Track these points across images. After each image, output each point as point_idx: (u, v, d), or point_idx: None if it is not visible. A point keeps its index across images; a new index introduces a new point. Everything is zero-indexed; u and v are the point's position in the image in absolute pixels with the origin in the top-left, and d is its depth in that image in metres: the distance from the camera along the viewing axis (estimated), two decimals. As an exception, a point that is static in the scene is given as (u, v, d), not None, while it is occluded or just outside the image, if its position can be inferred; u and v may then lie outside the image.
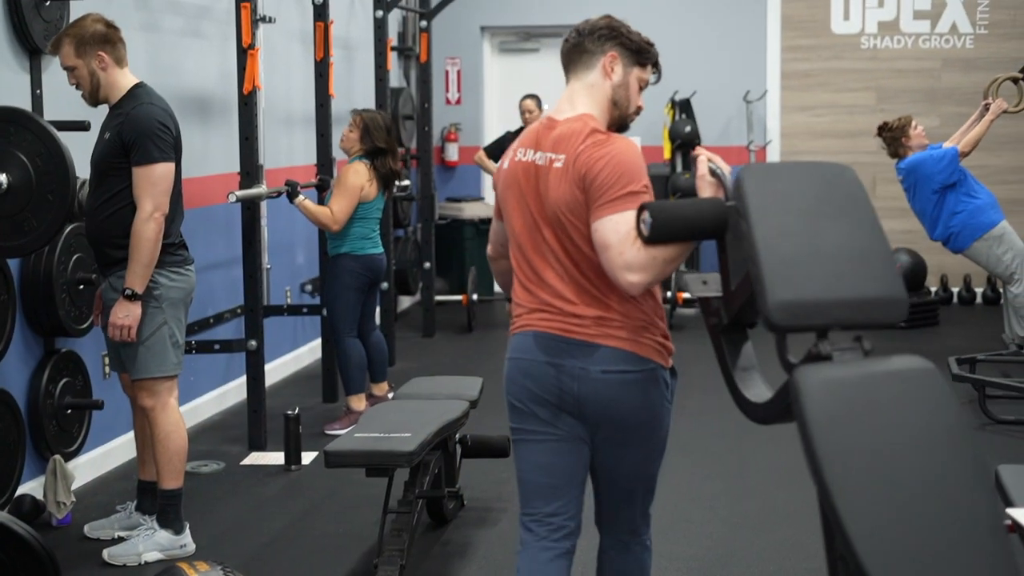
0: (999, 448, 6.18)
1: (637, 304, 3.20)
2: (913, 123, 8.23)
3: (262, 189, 6.37)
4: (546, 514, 3.36)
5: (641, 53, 3.32)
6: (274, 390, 7.64)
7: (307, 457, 6.01)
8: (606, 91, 3.27)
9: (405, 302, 10.62)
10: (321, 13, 7.09)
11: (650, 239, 2.97)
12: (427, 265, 9.34)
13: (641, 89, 3.34)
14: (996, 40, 10.53)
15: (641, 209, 2.99)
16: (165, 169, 4.52)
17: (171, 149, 4.56)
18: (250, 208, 6.18)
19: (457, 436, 5.07)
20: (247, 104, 6.08)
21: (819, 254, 2.66)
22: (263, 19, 7.40)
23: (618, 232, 3.04)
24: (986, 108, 8.27)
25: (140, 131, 4.47)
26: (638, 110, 3.34)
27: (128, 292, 4.47)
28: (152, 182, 4.47)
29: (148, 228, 4.45)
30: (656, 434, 3.33)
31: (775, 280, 2.60)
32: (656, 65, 3.39)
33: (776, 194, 2.74)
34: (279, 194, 6.55)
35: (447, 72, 11.21)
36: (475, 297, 9.60)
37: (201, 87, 6.90)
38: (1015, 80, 8.34)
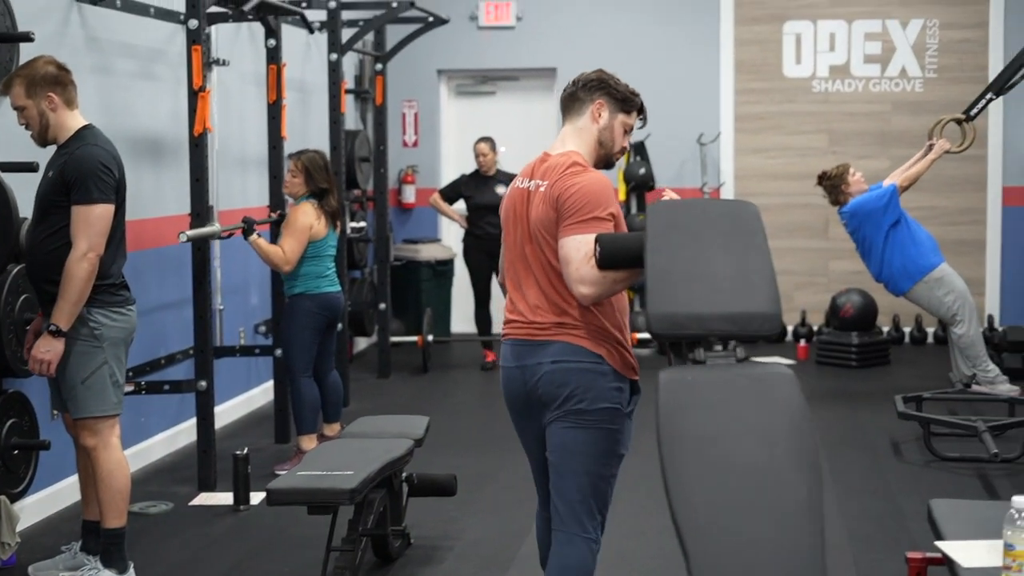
0: (943, 484, 6.25)
1: (595, 314, 3.67)
2: (851, 170, 8.39)
3: (214, 228, 6.40)
4: (544, 490, 3.92)
5: (626, 102, 3.85)
6: (227, 431, 7.65)
7: (256, 497, 6.01)
8: (593, 133, 3.82)
9: (361, 343, 10.65)
10: (274, 56, 7.14)
11: (599, 266, 3.53)
12: (382, 306, 9.38)
13: (627, 133, 3.88)
14: (944, 84, 10.68)
15: (596, 239, 3.50)
16: (104, 210, 4.55)
17: (112, 191, 4.60)
18: (200, 249, 6.21)
19: (404, 474, 5.10)
20: (198, 146, 6.11)
21: (703, 275, 3.21)
22: (216, 62, 7.50)
23: (579, 251, 3.57)
24: (930, 148, 8.41)
25: (82, 171, 4.51)
26: (623, 150, 3.89)
27: (53, 328, 4.50)
28: (89, 222, 4.51)
29: (80, 267, 4.48)
30: (602, 426, 3.68)
31: (657, 296, 3.20)
32: (641, 111, 3.92)
33: (675, 225, 3.34)
34: (230, 234, 6.58)
35: (404, 115, 11.28)
36: (430, 338, 9.63)
37: (153, 129, 6.94)
38: (959, 122, 8.48)
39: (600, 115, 3.82)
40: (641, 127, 4.00)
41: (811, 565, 2.83)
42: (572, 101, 3.88)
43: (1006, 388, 8.13)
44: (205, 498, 6.16)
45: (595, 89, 3.85)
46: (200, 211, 6.15)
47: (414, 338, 9.85)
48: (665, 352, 3.87)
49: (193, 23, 6.04)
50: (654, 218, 3.36)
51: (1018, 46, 9.02)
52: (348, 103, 10.25)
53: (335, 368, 7.04)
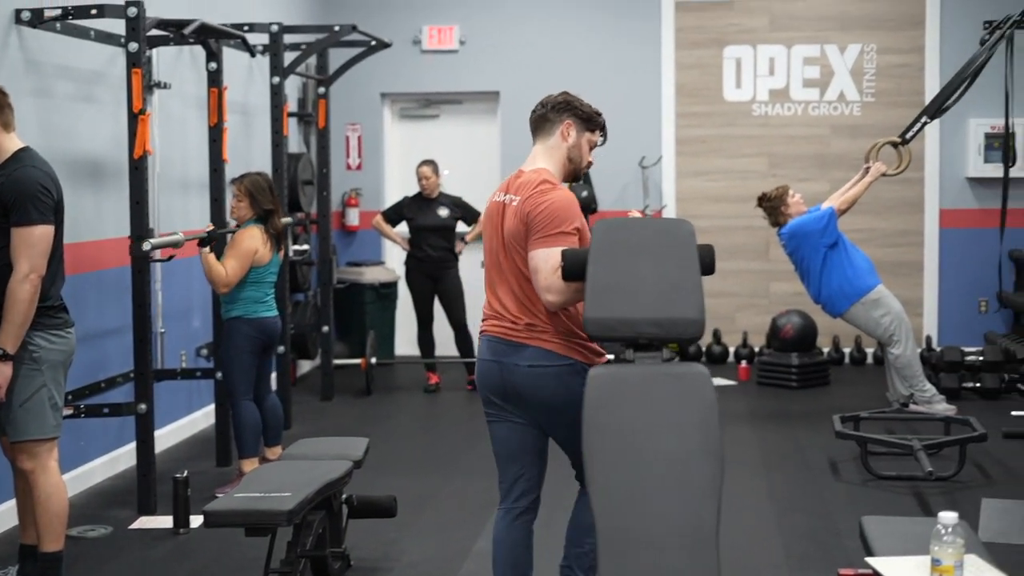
0: (879, 502, 6.33)
1: (562, 319, 4.10)
2: (790, 192, 8.50)
3: (177, 237, 6.44)
4: (510, 480, 4.32)
5: (590, 120, 4.34)
6: (168, 454, 7.63)
7: (196, 521, 5.99)
8: (563, 151, 4.28)
9: (305, 366, 10.63)
10: (215, 79, 7.15)
11: (564, 278, 3.94)
12: (325, 329, 9.38)
13: (591, 149, 4.35)
14: (882, 108, 10.83)
15: (562, 254, 3.93)
16: (44, 231, 4.55)
17: (51, 212, 4.60)
18: (140, 271, 6.20)
19: (343, 496, 5.11)
20: (138, 168, 6.12)
21: (636, 284, 3.70)
22: (158, 84, 7.50)
23: (546, 262, 4.00)
24: (867, 171, 8.53)
25: (20, 192, 4.51)
26: (588, 165, 4.36)
27: (0, 352, 4.49)
28: (30, 243, 4.51)
29: (23, 289, 4.48)
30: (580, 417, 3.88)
31: (593, 302, 3.72)
32: (603, 129, 4.39)
33: (616, 241, 3.82)
34: (203, 240, 6.57)
35: (347, 138, 11.30)
36: (374, 361, 9.63)
37: (94, 151, 6.92)
38: (895, 145, 8.61)
39: (568, 134, 4.28)
40: (602, 143, 4.42)
41: (707, 540, 3.39)
42: (542, 122, 4.34)
43: (943, 407, 8.25)
44: (145, 522, 6.14)
45: (563, 110, 4.31)
46: (140, 233, 6.14)
47: (358, 360, 9.86)
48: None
49: (133, 46, 6.04)
50: (598, 234, 3.84)
51: (953, 71, 9.17)
52: (291, 126, 10.26)
53: (273, 391, 7.04)
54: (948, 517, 3.33)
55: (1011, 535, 5.65)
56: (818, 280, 8.32)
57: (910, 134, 8.57)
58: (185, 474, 5.99)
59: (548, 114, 4.32)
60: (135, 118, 6.07)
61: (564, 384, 4.10)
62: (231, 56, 8.11)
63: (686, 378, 3.59)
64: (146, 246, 6.18)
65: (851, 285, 8.28)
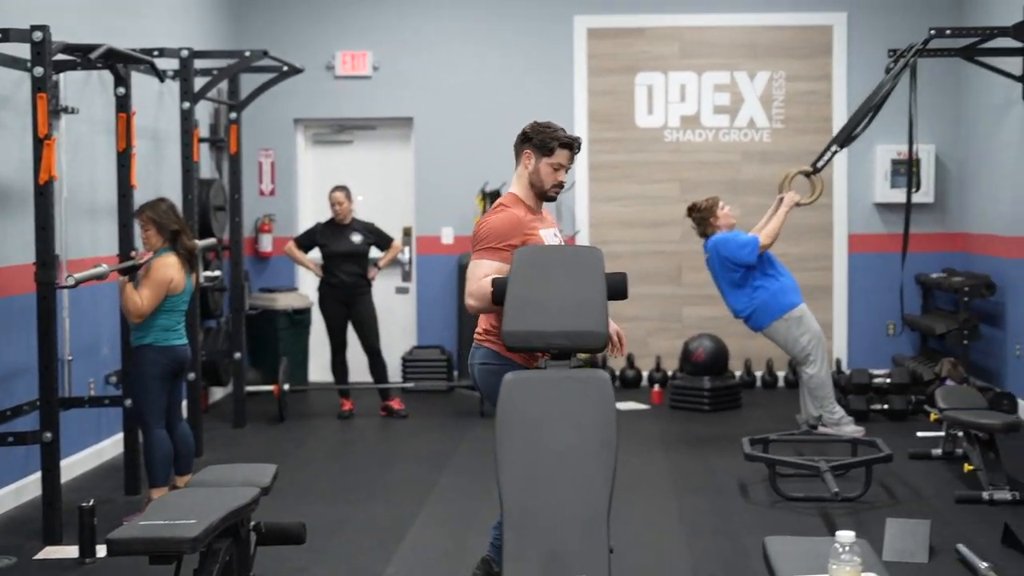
0: (787, 523, 6.39)
1: None
2: (720, 204, 8.58)
3: (101, 269, 6.41)
4: None
5: (543, 147, 4.88)
6: (77, 483, 7.53)
7: (103, 550, 5.89)
8: (526, 177, 4.92)
9: (217, 393, 10.55)
10: (123, 104, 7.09)
11: (493, 303, 4.54)
12: (237, 355, 9.31)
13: (556, 170, 4.90)
14: (791, 134, 10.99)
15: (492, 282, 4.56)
16: None
17: None
18: (45, 298, 6.13)
19: (252, 523, 5.07)
20: (43, 194, 6.05)
21: (549, 302, 4.30)
22: (65, 109, 7.43)
23: (474, 272, 4.69)
24: (780, 201, 8.65)
25: None
26: (557, 185, 4.92)
27: None
28: None
29: None
30: None
31: (511, 318, 4.30)
32: (567, 147, 4.92)
33: (532, 264, 4.44)
34: (124, 271, 6.51)
35: (260, 163, 11.25)
36: (287, 387, 9.58)
37: (2, 177, 6.83)
38: (807, 174, 8.74)
39: (528, 162, 4.91)
40: (571, 162, 4.99)
41: (600, 521, 3.88)
42: (515, 151, 4.99)
43: (851, 429, 8.37)
44: (51, 551, 6.05)
45: (523, 141, 4.95)
46: (46, 260, 6.08)
47: (271, 387, 9.79)
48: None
49: (39, 71, 6.00)
50: (517, 259, 4.47)
51: (860, 97, 9.35)
52: (203, 152, 10.20)
53: (184, 420, 6.97)
54: (846, 536, 3.39)
55: (913, 554, 5.74)
56: (738, 295, 8.42)
57: (821, 163, 8.71)
58: (91, 503, 5.92)
59: (516, 145, 4.98)
60: (40, 143, 6.02)
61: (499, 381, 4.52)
62: (142, 81, 8.06)
63: (589, 382, 4.15)
64: (70, 281, 6.13)
65: (776, 301, 8.39)
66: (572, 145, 4.93)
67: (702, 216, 8.59)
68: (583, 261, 4.46)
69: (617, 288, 4.43)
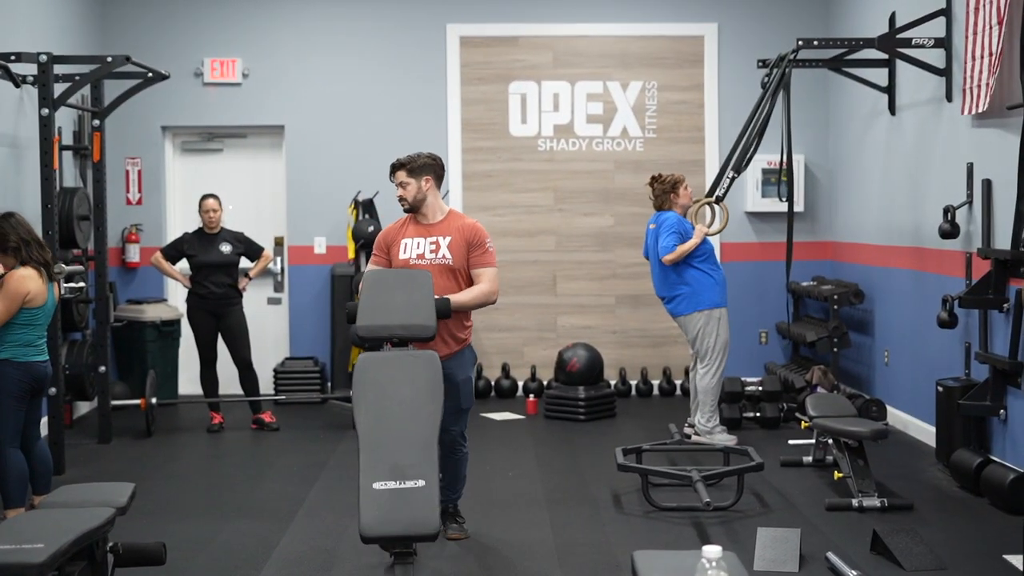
0: (659, 534, 6.37)
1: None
2: (684, 183, 8.61)
3: None
4: None
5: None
6: (-70, 503, 7.25)
7: (-46, 574, 5.69)
8: None
9: (83, 407, 10.25)
10: (-24, 110, 6.86)
11: (348, 321, 5.98)
12: (102, 369, 9.06)
13: (399, 187, 6.24)
14: (663, 143, 11.04)
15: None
16: None
17: None
18: None
19: (109, 544, 4.89)
20: None
21: (389, 306, 5.62)
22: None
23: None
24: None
25: None
26: (400, 199, 6.25)
27: None
28: None
29: None
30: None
31: (363, 317, 5.60)
32: (393, 173, 6.29)
33: (377, 281, 5.80)
34: None
35: (127, 172, 10.98)
36: (154, 401, 9.35)
37: None
38: (710, 204, 8.81)
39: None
40: (395, 183, 6.25)
41: (430, 444, 5.13)
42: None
43: (723, 438, 8.41)
44: (-102, 577, 5.80)
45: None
46: None
47: (138, 401, 9.55)
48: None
49: None
50: (367, 277, 5.87)
51: (730, 108, 9.45)
52: (67, 160, 9.93)
53: (42, 438, 6.74)
54: (711, 551, 3.34)
55: (784, 563, 5.75)
56: (670, 274, 8.45)
57: (721, 191, 8.79)
58: (-59, 525, 5.68)
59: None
60: None
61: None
62: (0, 86, 7.80)
63: (421, 356, 5.43)
64: None
65: (705, 294, 8.46)
66: (393, 171, 6.28)
67: (664, 189, 8.66)
68: (416, 278, 5.78)
69: (440, 310, 5.80)
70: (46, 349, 6.59)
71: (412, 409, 5.26)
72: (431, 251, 6.11)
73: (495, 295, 6.13)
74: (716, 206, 8.83)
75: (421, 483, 4.97)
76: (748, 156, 8.78)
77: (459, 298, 5.97)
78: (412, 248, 6.13)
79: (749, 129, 8.76)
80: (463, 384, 6.15)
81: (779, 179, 9.59)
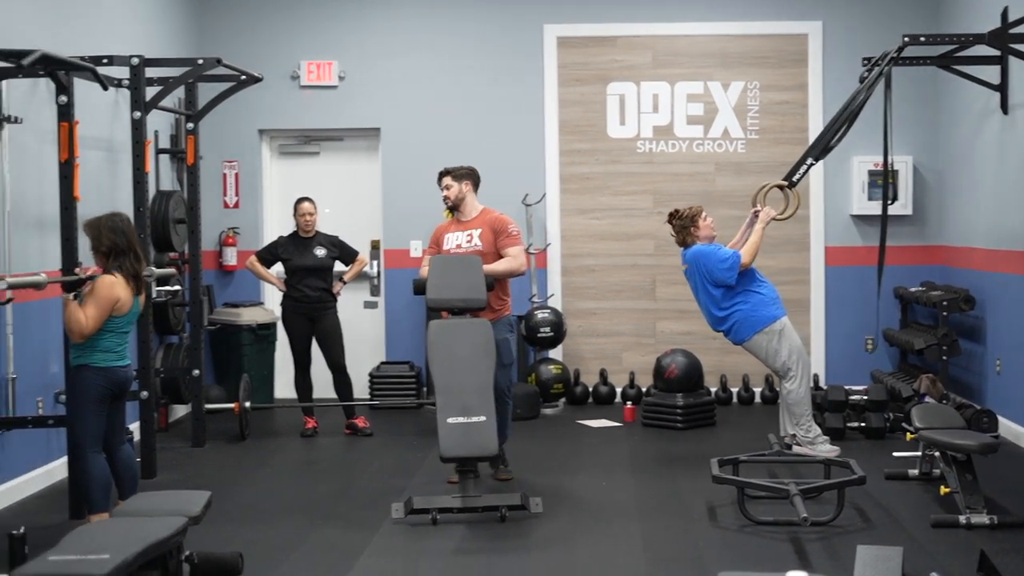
0: (754, 550, 6.14)
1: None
2: (703, 214, 8.35)
3: (39, 278, 6.24)
4: None
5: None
6: (21, 506, 7.29)
7: (35, 579, 5.64)
8: None
9: (179, 411, 10.26)
10: (65, 113, 6.83)
11: (414, 292, 7.78)
12: (196, 372, 9.03)
13: (443, 190, 8.03)
14: (766, 145, 10.77)
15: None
16: None
17: None
18: (-23, 315, 5.86)
19: (184, 554, 4.80)
20: (-25, 206, 5.79)
21: (451, 284, 7.30)
22: (8, 119, 7.16)
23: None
24: (755, 216, 8.40)
25: None
26: (444, 199, 8.05)
27: None
28: None
29: None
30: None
31: (430, 291, 7.29)
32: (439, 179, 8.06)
33: (441, 264, 7.47)
34: (67, 285, 6.27)
35: (225, 175, 10.99)
36: (247, 405, 9.30)
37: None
38: (782, 187, 8.49)
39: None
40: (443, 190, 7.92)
41: (487, 390, 6.89)
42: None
43: (825, 449, 8.12)
44: (-19, 581, 5.78)
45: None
46: (-24, 274, 5.80)
47: (231, 405, 9.52)
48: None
49: (-31, 77, 5.73)
50: (433, 261, 7.53)
51: (835, 107, 9.11)
52: (163, 163, 9.95)
53: (127, 442, 6.70)
54: (797, 576, 3.14)
55: (885, 583, 5.49)
56: (718, 308, 8.18)
57: (796, 176, 8.46)
58: (22, 530, 5.62)
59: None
60: (-28, 153, 5.74)
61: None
62: (97, 90, 7.78)
63: (477, 322, 7.19)
64: (2, 285, 5.92)
65: (756, 314, 8.15)
66: (440, 178, 8.04)
67: (683, 224, 8.36)
68: (465, 260, 7.49)
69: (488, 282, 7.39)
70: (127, 354, 6.54)
71: (472, 362, 6.98)
72: (466, 241, 7.79)
73: (522, 267, 7.80)
74: (787, 191, 8.50)
75: (483, 418, 6.81)
76: (830, 144, 8.45)
77: (493, 268, 7.59)
78: (453, 240, 7.84)
79: (836, 117, 8.45)
80: (502, 343, 7.51)
81: (893, 181, 9.29)
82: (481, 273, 7.29)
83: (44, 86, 7.72)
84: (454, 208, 7.97)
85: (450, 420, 6.72)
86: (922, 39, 8.42)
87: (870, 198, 10.59)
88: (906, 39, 8.31)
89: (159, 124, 9.84)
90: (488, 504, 6.87)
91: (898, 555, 5.63)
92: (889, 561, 5.60)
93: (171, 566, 4.62)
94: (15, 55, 6.27)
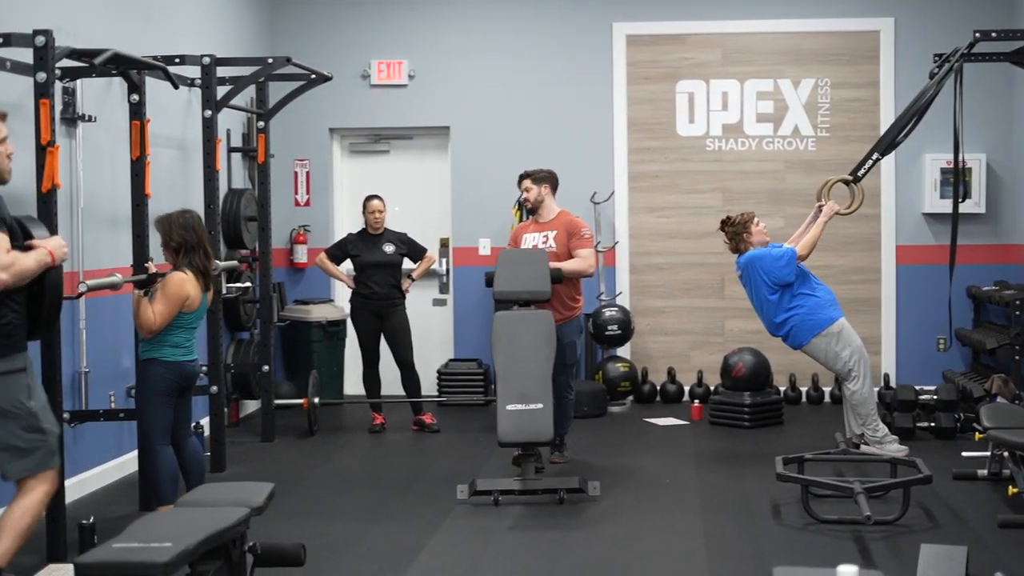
0: (817, 548, 6.11)
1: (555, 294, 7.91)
2: (755, 219, 8.31)
3: (114, 279, 6.35)
4: None
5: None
6: (94, 497, 7.42)
7: (104, 568, 5.74)
8: None
9: (250, 406, 10.38)
10: (137, 111, 6.95)
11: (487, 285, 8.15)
12: (265, 368, 9.13)
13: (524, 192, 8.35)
14: (837, 142, 10.69)
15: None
16: None
17: None
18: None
19: (247, 545, 4.87)
20: (46, 202, 5.90)
21: (518, 277, 7.70)
22: (82, 117, 7.30)
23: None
24: (820, 210, 8.35)
25: None
26: (525, 200, 8.42)
27: None
28: None
29: None
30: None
31: (497, 284, 7.73)
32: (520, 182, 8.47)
33: (509, 258, 7.90)
34: (139, 283, 6.40)
35: (296, 173, 11.10)
36: (316, 400, 9.40)
37: (9, 185, 6.67)
38: (847, 182, 8.43)
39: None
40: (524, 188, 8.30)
41: (545, 379, 7.27)
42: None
43: (894, 448, 8.06)
44: (52, 570, 5.89)
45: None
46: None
47: (300, 400, 9.62)
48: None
49: (41, 76, 5.84)
50: (502, 255, 7.95)
51: (907, 104, 9.01)
52: (235, 161, 10.08)
53: (194, 435, 6.80)
54: (847, 571, 3.13)
55: (948, 582, 5.44)
56: (775, 312, 8.14)
57: (862, 171, 8.39)
58: (91, 520, 5.75)
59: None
60: (43, 150, 5.86)
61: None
62: (170, 89, 7.90)
63: (540, 314, 7.56)
64: (82, 287, 6.05)
65: (813, 317, 8.10)
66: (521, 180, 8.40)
67: (735, 231, 8.33)
68: (533, 254, 7.91)
69: (554, 278, 7.74)
70: (194, 349, 6.64)
71: (533, 352, 7.35)
72: (542, 242, 8.10)
73: (591, 268, 8.14)
74: (853, 186, 8.42)
75: (540, 405, 7.16)
76: (897, 140, 8.37)
77: (562, 265, 7.90)
78: (530, 240, 8.17)
79: (904, 113, 8.37)
80: (568, 346, 7.96)
81: (964, 179, 9.18)
82: (546, 266, 7.64)
83: (118, 85, 7.86)
84: (533, 210, 8.30)
85: (509, 407, 7.13)
86: (993, 35, 8.31)
87: (942, 196, 10.47)
88: (977, 35, 8.20)
89: (232, 123, 9.97)
90: (548, 487, 7.17)
91: (962, 554, 5.57)
92: (953, 560, 5.55)
93: (234, 556, 4.68)
94: (88, 54, 6.37)
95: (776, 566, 5.65)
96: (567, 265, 7.93)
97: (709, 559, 5.98)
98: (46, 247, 5.05)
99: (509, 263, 7.76)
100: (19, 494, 5.10)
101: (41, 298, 5.10)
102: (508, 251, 8.00)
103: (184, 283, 6.43)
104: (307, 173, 11.14)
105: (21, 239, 5.06)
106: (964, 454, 8.03)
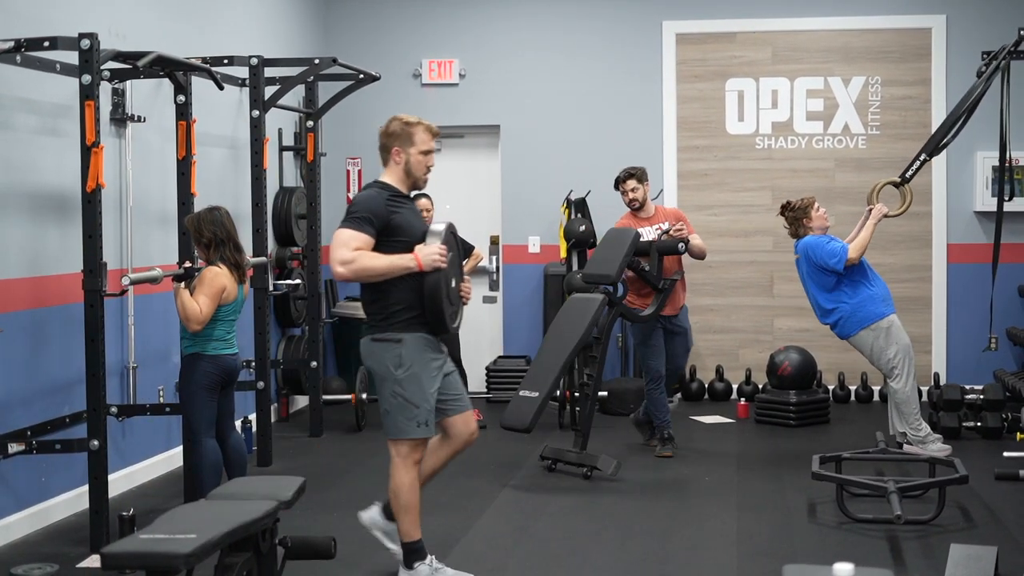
0: (849, 547, 6.12)
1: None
2: (816, 204, 8.32)
3: (155, 273, 6.49)
4: None
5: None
6: (141, 490, 7.58)
7: (144, 559, 5.88)
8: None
9: (300, 401, 10.53)
10: (183, 112, 7.09)
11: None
12: (314, 364, 9.26)
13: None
14: (887, 141, 10.65)
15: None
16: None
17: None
18: (93, 305, 6.10)
19: (277, 538, 4.97)
20: (91, 202, 6.03)
21: (605, 260, 7.98)
22: (131, 118, 7.45)
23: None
24: (870, 212, 8.34)
25: None
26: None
27: None
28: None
29: None
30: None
31: (588, 267, 8.24)
32: (625, 178, 8.56)
33: (604, 239, 8.33)
34: (178, 277, 6.52)
35: (348, 172, 11.23)
36: (364, 396, 9.51)
37: (59, 185, 6.86)
38: (896, 184, 8.42)
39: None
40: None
41: (552, 371, 7.54)
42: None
43: (937, 448, 8.03)
44: (95, 560, 6.02)
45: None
46: (92, 267, 6.05)
47: (348, 396, 9.74)
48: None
49: (86, 78, 5.97)
50: (607, 235, 8.31)
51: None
52: (287, 160, 10.21)
53: (236, 429, 6.92)
54: (843, 570, 3.17)
55: (975, 582, 5.44)
56: (828, 299, 8.14)
57: (910, 173, 8.38)
58: (131, 512, 5.89)
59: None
60: (88, 151, 6.00)
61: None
62: (220, 89, 8.05)
63: (587, 298, 7.92)
64: (125, 281, 6.19)
65: (864, 310, 8.09)
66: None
67: (795, 216, 8.34)
68: (623, 236, 8.05)
69: (666, 249, 8.18)
70: (235, 343, 6.76)
71: (563, 341, 7.51)
72: (657, 235, 8.33)
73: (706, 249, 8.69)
74: (901, 187, 8.40)
75: (535, 395, 7.37)
76: (944, 141, 8.33)
77: (694, 239, 8.41)
78: (644, 236, 8.27)
79: (951, 113, 8.33)
80: (688, 333, 8.63)
81: (1010, 177, 9.10)
82: (625, 248, 7.87)
83: (167, 86, 8.00)
84: (640, 208, 8.47)
85: (522, 392, 7.62)
86: (1040, 33, 8.26)
87: (994, 194, 10.38)
88: (1022, 33, 8.16)
89: (283, 122, 10.10)
90: (579, 462, 7.80)
91: (991, 554, 5.58)
92: (982, 560, 5.55)
93: (263, 548, 4.78)
94: (132, 56, 6.51)
95: (806, 563, 5.71)
96: (695, 239, 8.42)
97: (740, 556, 6.01)
98: (416, 254, 5.43)
99: (602, 244, 8.23)
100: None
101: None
102: (610, 231, 8.30)
103: (219, 275, 6.55)
104: (359, 171, 11.26)
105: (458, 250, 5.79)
106: (1006, 454, 8.00)
